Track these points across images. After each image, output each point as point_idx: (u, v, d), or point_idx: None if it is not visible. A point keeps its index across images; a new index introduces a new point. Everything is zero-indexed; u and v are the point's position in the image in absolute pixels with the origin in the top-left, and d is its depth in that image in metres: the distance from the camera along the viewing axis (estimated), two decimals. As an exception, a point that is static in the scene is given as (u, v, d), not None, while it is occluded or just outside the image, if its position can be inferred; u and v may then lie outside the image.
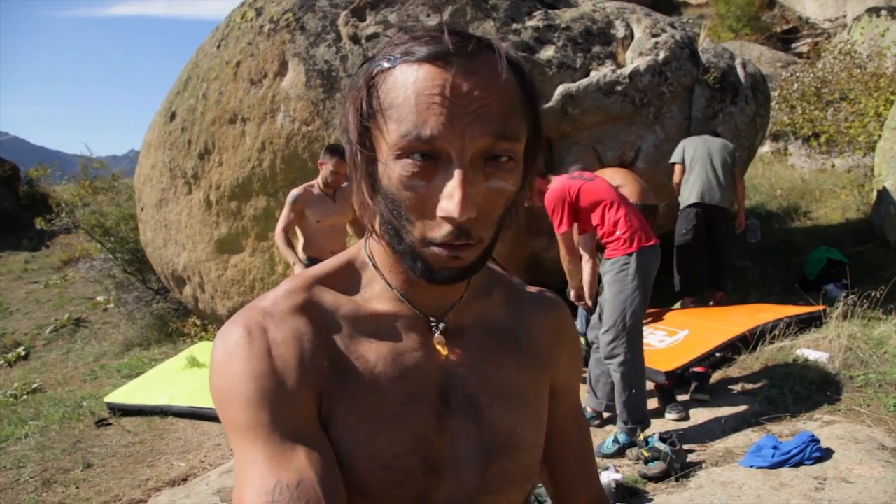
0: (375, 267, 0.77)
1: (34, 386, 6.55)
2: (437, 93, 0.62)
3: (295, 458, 0.65)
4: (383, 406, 0.72)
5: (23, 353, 8.59)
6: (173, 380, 5.06)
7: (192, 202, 6.40)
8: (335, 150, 4.10)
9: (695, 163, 5.08)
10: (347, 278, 0.78)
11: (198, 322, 7.32)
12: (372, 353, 0.74)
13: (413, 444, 0.72)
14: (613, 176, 4.56)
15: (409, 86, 0.63)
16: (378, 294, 0.77)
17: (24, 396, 6.20)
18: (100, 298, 9.74)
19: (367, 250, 0.78)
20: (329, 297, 0.75)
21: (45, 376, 7.09)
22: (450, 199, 0.63)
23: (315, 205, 4.16)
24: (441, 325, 0.77)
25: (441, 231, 0.65)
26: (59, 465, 3.95)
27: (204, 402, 4.50)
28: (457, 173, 0.63)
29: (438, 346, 0.76)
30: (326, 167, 4.10)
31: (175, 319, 7.77)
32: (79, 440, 4.34)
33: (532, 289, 0.90)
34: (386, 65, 0.66)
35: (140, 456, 4.02)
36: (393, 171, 0.65)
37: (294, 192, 4.17)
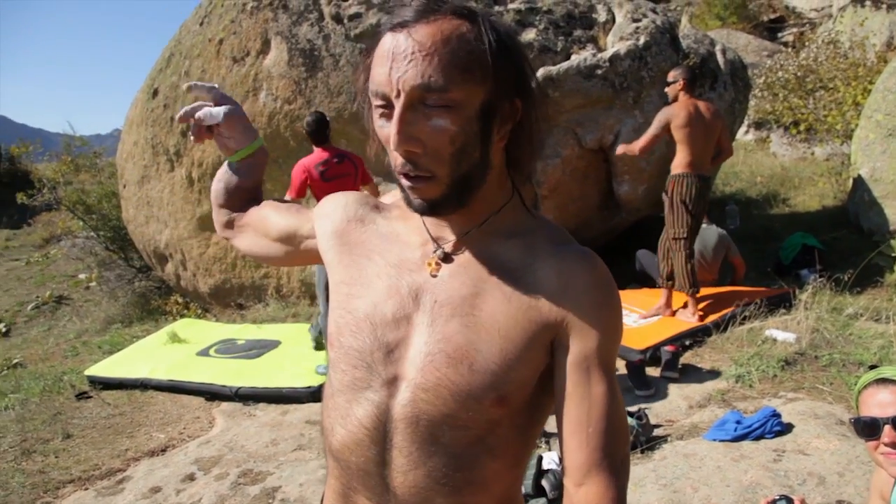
0: None
1: (15, 361, 6.55)
2: (389, 53, 0.79)
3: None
4: (373, 286, 0.93)
5: (3, 330, 8.57)
6: (154, 354, 5.10)
7: (174, 179, 6.40)
8: None
9: None
10: (400, 208, 0.99)
11: (179, 300, 7.33)
12: (384, 250, 0.96)
13: (372, 309, 0.92)
14: None
15: (379, 50, 0.81)
16: (416, 224, 0.96)
17: (5, 371, 6.20)
18: (82, 276, 9.71)
19: None
20: (379, 208, 1.01)
21: (26, 352, 7.08)
22: (390, 134, 0.80)
23: None
24: (439, 252, 0.92)
25: (397, 161, 0.83)
26: (39, 436, 3.98)
27: (184, 375, 4.54)
28: (394, 113, 0.79)
29: (429, 264, 0.92)
30: None
31: (157, 297, 7.78)
32: (59, 412, 4.37)
33: (571, 247, 0.92)
34: (379, 35, 0.83)
35: (120, 427, 4.06)
36: (373, 118, 0.85)
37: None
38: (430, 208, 0.85)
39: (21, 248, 12.29)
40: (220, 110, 1.09)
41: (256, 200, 1.18)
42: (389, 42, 0.79)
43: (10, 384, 5.30)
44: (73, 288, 9.63)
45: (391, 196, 1.04)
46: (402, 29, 0.79)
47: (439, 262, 0.91)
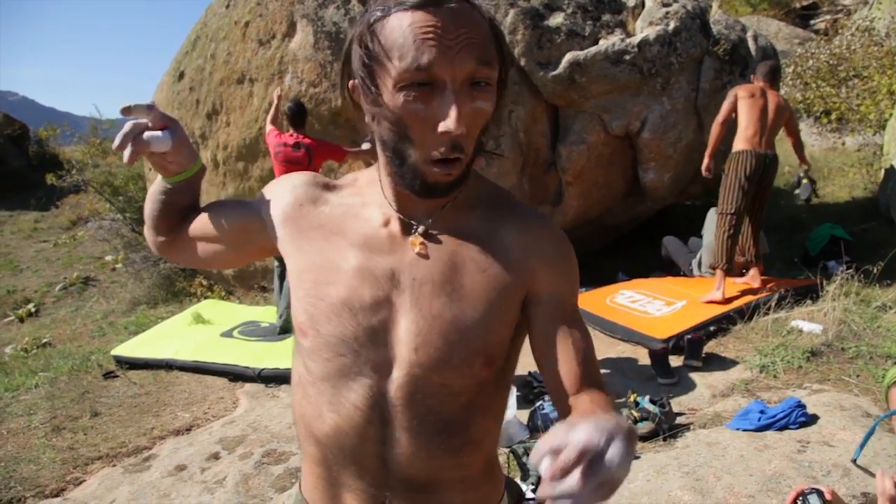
0: (381, 183, 0.95)
1: (44, 341, 6.69)
2: (431, 31, 0.76)
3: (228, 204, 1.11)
4: (342, 269, 0.92)
5: (33, 310, 8.74)
6: (179, 335, 5.17)
7: (199, 163, 6.46)
8: None
9: None
10: (353, 186, 1.00)
11: (204, 282, 7.42)
12: (344, 231, 0.94)
13: (348, 294, 0.90)
14: None
15: (406, 28, 0.77)
16: (374, 200, 0.95)
17: (35, 350, 6.34)
18: (108, 258, 9.86)
19: (378, 172, 0.96)
20: (329, 187, 1.00)
21: (54, 332, 7.22)
22: (448, 117, 0.78)
23: None
24: (420, 229, 0.92)
25: (441, 147, 0.81)
26: (68, 413, 4.07)
27: (208, 356, 4.60)
28: (452, 95, 0.78)
29: (414, 244, 0.92)
30: None
31: (181, 279, 7.87)
32: (87, 390, 4.46)
33: (523, 208, 0.98)
34: (380, 14, 0.80)
35: (145, 406, 4.13)
36: (398, 99, 0.80)
37: None
38: (449, 191, 0.86)
39: (49, 230, 12.49)
40: (167, 137, 0.98)
41: (192, 217, 1.11)
42: (427, 21, 0.76)
43: (39, 363, 5.42)
44: (99, 269, 9.78)
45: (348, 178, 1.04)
46: (434, 8, 0.76)
47: (424, 241, 0.92)
